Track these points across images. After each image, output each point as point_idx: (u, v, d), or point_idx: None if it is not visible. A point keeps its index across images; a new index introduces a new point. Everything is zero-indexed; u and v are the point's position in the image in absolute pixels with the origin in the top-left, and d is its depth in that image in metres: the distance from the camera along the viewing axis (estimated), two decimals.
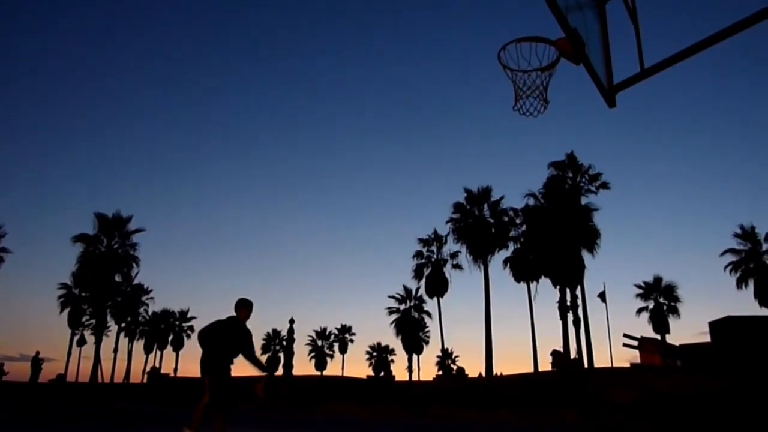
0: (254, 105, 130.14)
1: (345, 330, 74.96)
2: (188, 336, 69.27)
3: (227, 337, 6.69)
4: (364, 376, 67.64)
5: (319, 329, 75.69)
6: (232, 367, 6.76)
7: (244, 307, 6.91)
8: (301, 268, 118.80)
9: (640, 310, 45.40)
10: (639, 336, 41.56)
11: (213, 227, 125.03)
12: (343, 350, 74.92)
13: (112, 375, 56.96)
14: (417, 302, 53.22)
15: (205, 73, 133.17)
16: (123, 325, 56.32)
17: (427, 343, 57.34)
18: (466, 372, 72.60)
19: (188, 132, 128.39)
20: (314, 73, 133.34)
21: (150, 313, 63.79)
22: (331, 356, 75.33)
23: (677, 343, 41.36)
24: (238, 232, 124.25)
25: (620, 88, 4.40)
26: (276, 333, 74.28)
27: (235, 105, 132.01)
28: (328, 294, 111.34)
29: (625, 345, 40.96)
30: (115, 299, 48.22)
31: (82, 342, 51.08)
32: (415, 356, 55.56)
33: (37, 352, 34.11)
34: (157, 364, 68.62)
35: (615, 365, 38.90)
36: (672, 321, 44.37)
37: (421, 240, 48.02)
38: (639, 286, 45.73)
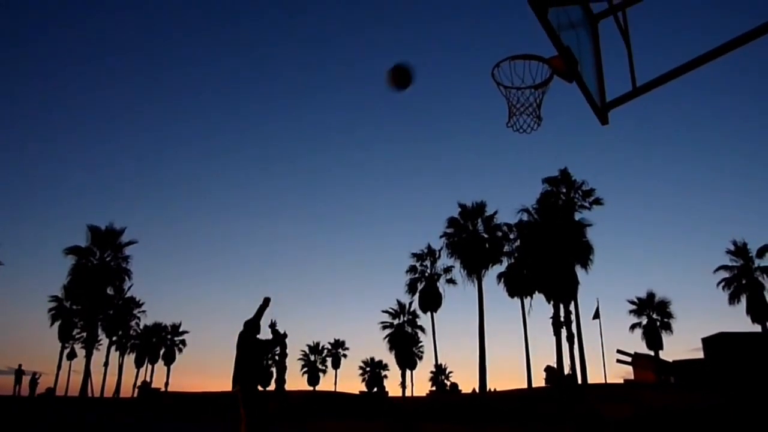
0: (247, 117, 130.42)
1: (338, 344, 74.56)
2: (180, 350, 68.65)
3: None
4: (357, 392, 67.09)
5: (312, 344, 75.32)
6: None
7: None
8: (293, 282, 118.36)
9: (633, 326, 45.39)
10: (633, 352, 41.61)
11: (206, 241, 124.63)
12: (336, 365, 74.42)
13: (102, 389, 56.39)
14: (410, 317, 53.10)
15: (198, 85, 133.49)
16: (114, 338, 55.88)
17: (420, 358, 57.17)
18: (460, 387, 72.23)
19: (181, 144, 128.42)
20: (307, 86, 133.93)
21: (141, 326, 63.28)
22: (324, 371, 74.87)
23: (670, 359, 41.44)
24: (230, 246, 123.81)
25: (612, 105, 4.46)
26: None
27: (227, 117, 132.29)
28: (321, 308, 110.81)
29: (618, 361, 41.07)
30: (107, 312, 47.87)
31: (72, 355, 50.56)
32: (408, 371, 55.33)
33: (20, 365, 33.85)
34: (148, 379, 67.93)
35: (609, 381, 38.88)
36: (665, 337, 44.35)
37: (414, 254, 48.02)
38: (632, 302, 45.74)
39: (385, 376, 72.08)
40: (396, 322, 53.25)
